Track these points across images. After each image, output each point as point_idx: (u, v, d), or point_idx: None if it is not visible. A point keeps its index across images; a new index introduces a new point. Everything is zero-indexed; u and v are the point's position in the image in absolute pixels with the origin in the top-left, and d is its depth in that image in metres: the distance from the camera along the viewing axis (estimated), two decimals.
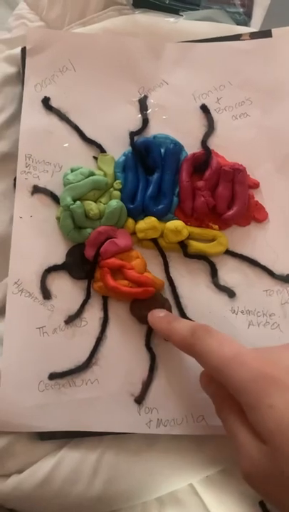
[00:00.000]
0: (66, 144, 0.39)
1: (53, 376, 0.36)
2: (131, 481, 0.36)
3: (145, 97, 0.40)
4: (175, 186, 0.38)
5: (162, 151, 0.38)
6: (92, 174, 0.38)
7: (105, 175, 0.38)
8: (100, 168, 0.39)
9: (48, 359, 0.36)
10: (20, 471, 0.36)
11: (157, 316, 0.34)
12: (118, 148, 0.39)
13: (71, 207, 0.36)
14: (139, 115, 0.40)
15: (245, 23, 0.44)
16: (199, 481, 0.37)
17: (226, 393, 0.28)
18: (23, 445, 0.36)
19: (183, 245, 0.38)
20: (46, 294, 0.37)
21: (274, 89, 0.39)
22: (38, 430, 0.36)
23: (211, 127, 0.39)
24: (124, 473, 0.36)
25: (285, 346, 0.29)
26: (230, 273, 0.38)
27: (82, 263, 0.37)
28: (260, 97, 0.40)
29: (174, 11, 0.43)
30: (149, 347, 0.37)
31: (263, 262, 0.38)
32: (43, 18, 0.45)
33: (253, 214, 0.38)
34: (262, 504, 0.36)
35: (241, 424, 0.27)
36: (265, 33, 0.40)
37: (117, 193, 0.38)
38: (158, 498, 0.37)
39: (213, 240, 0.38)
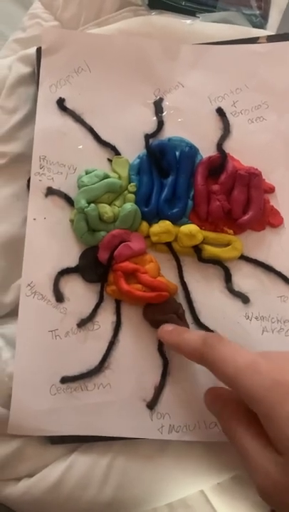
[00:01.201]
0: (80, 146, 0.39)
1: (64, 380, 0.36)
2: (142, 486, 0.36)
3: (160, 100, 0.40)
4: (190, 190, 0.38)
5: (177, 154, 0.38)
6: (106, 177, 0.37)
7: (120, 177, 0.38)
8: (114, 171, 0.38)
9: (60, 362, 0.36)
10: (30, 475, 0.36)
11: (167, 330, 0.34)
12: (133, 151, 0.39)
13: (85, 209, 0.36)
14: (154, 117, 0.39)
15: (262, 25, 0.44)
16: (210, 487, 0.37)
17: (233, 409, 0.28)
18: (34, 449, 0.36)
19: (197, 250, 0.37)
20: (59, 297, 0.37)
21: None
22: (49, 434, 0.36)
23: (226, 130, 0.39)
24: (135, 479, 0.36)
25: None
26: (245, 278, 0.37)
27: (95, 266, 0.37)
28: (277, 101, 0.39)
29: (190, 12, 0.43)
30: (161, 352, 0.36)
31: (277, 268, 0.37)
32: (58, 17, 0.44)
33: (268, 219, 0.38)
34: None
35: (252, 438, 0.26)
36: (282, 37, 0.40)
37: (132, 196, 0.38)
38: (168, 504, 0.37)
39: (227, 244, 0.37)
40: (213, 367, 0.28)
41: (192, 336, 0.31)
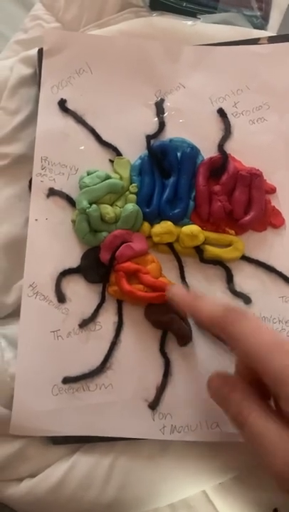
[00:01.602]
0: (82, 147, 0.39)
1: (66, 380, 0.36)
2: (144, 486, 0.36)
3: (162, 100, 0.40)
4: (191, 190, 0.38)
5: (179, 154, 0.38)
6: (108, 177, 0.37)
7: (121, 178, 0.38)
8: (115, 172, 0.38)
9: (62, 363, 0.36)
10: (33, 476, 0.36)
11: (180, 291, 0.32)
12: (134, 152, 0.39)
13: (87, 210, 0.36)
14: (156, 118, 0.39)
15: (262, 26, 0.44)
16: (212, 487, 0.37)
17: (244, 392, 0.27)
18: (36, 449, 0.36)
19: (199, 250, 0.37)
20: (61, 298, 0.37)
21: None
22: (51, 435, 0.36)
23: (227, 131, 0.39)
24: (137, 479, 0.36)
25: None
26: (246, 279, 0.37)
27: (97, 267, 0.37)
28: (278, 102, 0.39)
29: (190, 13, 0.43)
30: (163, 352, 0.36)
31: (279, 268, 0.37)
32: (59, 19, 0.44)
33: (269, 219, 0.38)
34: None
35: (268, 420, 0.25)
36: (283, 37, 0.40)
37: (133, 197, 0.38)
38: (170, 504, 0.37)
39: (229, 245, 0.37)
40: (236, 342, 0.26)
41: (211, 303, 0.29)
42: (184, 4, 0.43)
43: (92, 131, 0.39)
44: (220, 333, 0.28)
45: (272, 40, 0.40)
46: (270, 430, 0.24)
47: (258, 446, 0.25)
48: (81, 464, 0.36)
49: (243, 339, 0.26)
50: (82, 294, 0.37)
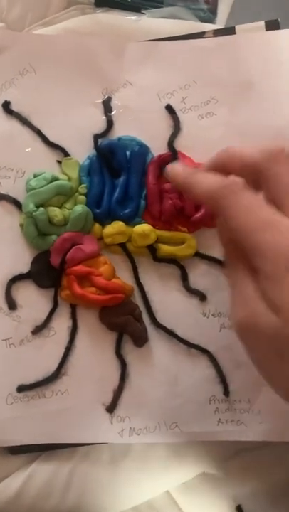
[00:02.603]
0: (29, 149, 0.38)
1: (21, 388, 0.35)
2: (106, 491, 0.36)
3: (109, 99, 0.39)
4: (142, 189, 0.37)
5: (128, 153, 0.37)
6: (55, 179, 0.37)
7: (70, 179, 0.37)
8: (64, 173, 0.38)
9: (16, 371, 0.35)
10: None
11: (179, 168, 0.29)
12: (82, 152, 0.38)
13: (34, 214, 0.35)
14: (104, 117, 0.39)
15: (210, 20, 0.43)
16: (176, 487, 0.37)
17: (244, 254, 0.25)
18: None
19: (152, 249, 0.37)
20: (11, 305, 0.36)
21: (239, 87, 0.39)
22: (7, 445, 0.35)
23: (177, 128, 0.39)
24: (99, 484, 0.36)
25: None
26: (201, 276, 0.37)
27: (48, 271, 0.36)
28: (226, 95, 0.39)
29: (136, 9, 0.42)
30: (119, 354, 0.36)
31: None
32: (3, 19, 0.43)
33: None
34: (239, 509, 0.36)
35: (249, 281, 0.24)
36: (228, 30, 0.40)
37: (83, 198, 0.37)
38: (135, 507, 0.36)
39: (182, 243, 0.37)
40: (228, 214, 0.24)
41: (208, 177, 0.26)
42: (130, 0, 0.42)
43: (39, 133, 0.38)
44: (213, 208, 0.26)
45: (217, 33, 0.40)
46: (247, 287, 0.24)
47: (233, 294, 0.25)
48: (40, 473, 0.35)
49: (235, 215, 0.24)
50: (33, 300, 0.36)
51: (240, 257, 0.25)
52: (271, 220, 0.23)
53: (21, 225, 0.37)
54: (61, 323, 0.36)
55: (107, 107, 0.39)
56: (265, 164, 0.25)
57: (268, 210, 0.24)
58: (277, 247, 0.22)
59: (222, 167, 0.27)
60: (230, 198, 0.24)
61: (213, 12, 0.44)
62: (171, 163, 0.37)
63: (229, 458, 0.37)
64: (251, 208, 0.24)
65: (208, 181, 0.26)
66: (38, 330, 0.36)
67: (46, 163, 0.38)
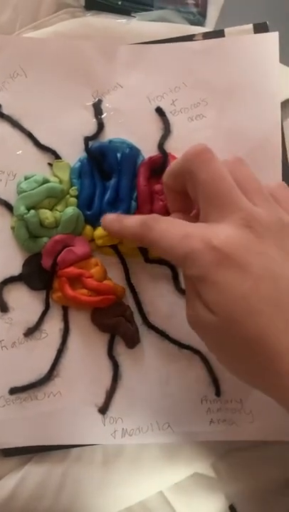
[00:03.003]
0: (20, 152, 0.38)
1: (13, 391, 0.35)
2: (98, 492, 0.36)
3: (99, 101, 0.39)
4: (133, 191, 0.37)
5: (118, 155, 0.38)
6: (46, 181, 0.37)
7: (61, 182, 0.37)
8: (55, 175, 0.38)
9: (8, 374, 0.35)
10: None
11: (109, 219, 0.33)
12: (73, 154, 0.38)
13: (25, 216, 0.35)
14: (94, 119, 0.39)
15: (200, 23, 0.44)
16: (169, 488, 0.37)
17: None
18: None
19: (143, 250, 0.37)
20: (3, 307, 0.36)
21: (228, 89, 0.39)
22: (0, 447, 0.35)
23: (167, 130, 0.39)
24: (91, 486, 0.36)
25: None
26: None
27: (39, 273, 0.36)
28: (216, 98, 0.39)
29: (126, 12, 0.43)
30: (111, 356, 0.36)
31: None
32: None
33: None
34: (232, 508, 0.36)
35: (191, 287, 0.27)
36: (217, 33, 0.40)
37: (74, 200, 0.37)
38: (128, 507, 0.36)
39: None
40: (154, 245, 0.28)
41: (131, 220, 0.30)
42: (120, 3, 0.43)
43: (30, 135, 0.38)
44: (143, 245, 0.32)
45: (207, 36, 0.40)
46: (191, 294, 0.28)
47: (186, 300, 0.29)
48: (33, 475, 0.35)
49: (158, 241, 0.28)
50: (25, 302, 0.36)
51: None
52: (186, 229, 0.27)
53: (12, 228, 0.37)
54: (53, 325, 0.36)
55: (97, 109, 0.39)
56: (185, 167, 0.28)
57: (182, 223, 0.28)
58: (193, 252, 0.26)
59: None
60: (147, 232, 0.28)
61: (202, 15, 0.44)
62: (162, 164, 0.37)
63: (221, 457, 0.37)
64: (169, 228, 0.28)
65: (131, 225, 0.30)
66: (30, 332, 0.36)
67: (37, 166, 0.38)
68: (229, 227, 0.26)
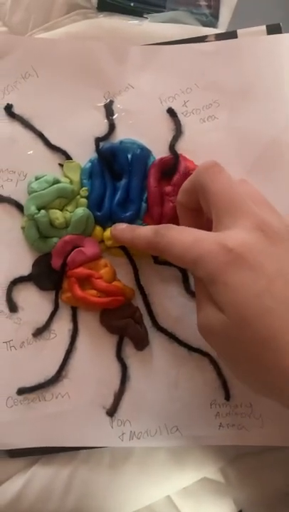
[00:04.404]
0: (31, 152, 0.38)
1: (21, 391, 0.35)
2: (106, 495, 0.35)
3: (111, 102, 0.39)
4: (143, 192, 0.37)
5: (129, 156, 0.37)
6: (57, 182, 0.37)
7: (71, 182, 0.37)
8: (65, 176, 0.38)
9: (16, 374, 0.35)
10: None
11: (120, 228, 0.34)
12: (84, 155, 0.38)
13: (35, 216, 0.35)
14: (105, 120, 0.39)
15: (212, 24, 0.43)
16: (177, 492, 0.36)
17: None
18: None
19: None
20: (12, 307, 0.36)
21: (241, 91, 0.39)
22: (7, 448, 0.35)
23: (178, 131, 0.39)
24: (99, 488, 0.35)
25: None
26: None
27: (49, 273, 0.36)
28: (228, 99, 0.39)
29: (138, 13, 0.42)
30: (120, 357, 0.36)
31: None
32: (6, 23, 0.43)
33: None
34: None
35: (203, 289, 0.28)
36: (230, 34, 0.40)
37: (84, 201, 0.37)
38: (135, 511, 0.36)
39: None
40: (166, 253, 0.29)
41: (145, 229, 0.31)
42: (132, 4, 0.43)
43: (41, 136, 0.38)
44: (156, 253, 0.33)
45: (219, 37, 0.40)
46: (203, 297, 0.28)
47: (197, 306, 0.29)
48: (39, 476, 0.35)
49: (169, 248, 0.28)
50: (34, 303, 0.36)
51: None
52: (195, 238, 0.27)
53: (23, 228, 0.37)
54: (62, 326, 0.36)
55: (108, 110, 0.39)
56: (198, 181, 0.29)
57: (191, 231, 0.28)
58: (206, 253, 0.26)
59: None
60: (160, 240, 0.29)
61: (215, 16, 0.44)
62: (173, 165, 0.37)
63: (230, 462, 0.36)
64: (181, 235, 0.28)
65: (144, 234, 0.31)
66: (39, 332, 0.36)
67: (48, 166, 0.38)
68: (242, 231, 0.26)
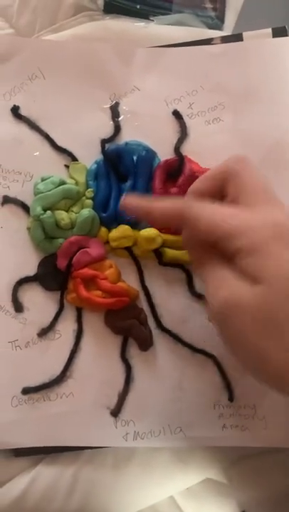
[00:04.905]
0: (37, 153, 0.38)
1: (26, 391, 0.35)
2: (109, 496, 0.36)
3: (117, 104, 0.39)
4: (148, 193, 0.38)
5: (135, 158, 0.38)
6: (63, 183, 0.37)
7: (77, 183, 0.38)
8: (71, 177, 0.38)
9: (21, 373, 0.35)
10: None
11: (134, 197, 0.31)
12: (90, 157, 0.38)
13: (41, 217, 0.35)
14: (111, 122, 0.39)
15: (218, 26, 0.44)
16: (180, 493, 0.36)
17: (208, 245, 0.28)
18: None
19: (158, 253, 0.37)
20: (18, 307, 0.36)
21: (246, 93, 0.39)
22: (12, 447, 0.35)
23: (183, 133, 0.39)
24: (102, 489, 0.36)
25: None
26: None
27: (54, 274, 0.36)
28: (233, 101, 0.39)
29: (144, 16, 0.43)
30: (124, 358, 0.36)
31: None
32: (13, 25, 0.44)
33: None
34: None
35: (224, 266, 0.26)
36: (236, 37, 0.40)
37: (89, 202, 0.37)
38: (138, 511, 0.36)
39: None
40: (193, 221, 0.27)
41: (166, 200, 0.29)
42: (138, 6, 0.43)
43: (47, 137, 0.39)
44: (177, 222, 0.30)
45: (225, 40, 0.40)
46: (223, 269, 0.26)
47: (208, 281, 0.27)
48: (44, 476, 0.35)
49: (203, 217, 0.26)
50: (40, 303, 0.36)
51: (210, 252, 0.27)
52: (234, 209, 0.27)
53: (29, 228, 0.37)
54: (67, 326, 0.36)
55: (114, 112, 0.39)
56: (230, 169, 0.29)
57: (225, 206, 0.27)
58: (248, 225, 0.25)
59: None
60: (194, 206, 0.27)
61: (220, 19, 0.44)
62: (179, 167, 0.37)
63: (233, 464, 0.36)
64: (212, 208, 0.27)
65: (166, 204, 0.29)
66: (44, 332, 0.36)
67: (54, 167, 0.38)
68: (280, 212, 0.26)
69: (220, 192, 0.30)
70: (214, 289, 0.26)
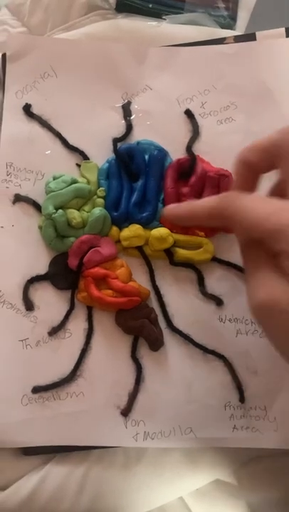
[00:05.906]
0: (48, 152, 0.38)
1: (36, 390, 0.35)
2: (119, 496, 0.35)
3: (129, 103, 0.39)
4: (160, 193, 0.37)
5: (146, 157, 0.38)
6: (74, 182, 0.37)
7: (88, 182, 0.37)
8: (83, 176, 0.38)
9: (32, 372, 0.35)
10: (4, 488, 0.35)
11: (173, 205, 0.30)
12: (102, 155, 0.38)
13: (53, 216, 0.35)
14: (123, 121, 0.39)
15: (230, 26, 0.44)
16: (189, 494, 0.36)
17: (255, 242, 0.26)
18: (7, 461, 0.35)
19: (169, 253, 0.37)
20: (29, 306, 0.36)
21: (258, 93, 0.39)
22: (21, 446, 0.35)
23: (195, 132, 0.39)
24: (112, 488, 0.35)
25: None
26: (218, 281, 0.37)
27: (65, 273, 0.36)
28: (245, 101, 0.39)
29: (157, 15, 0.43)
30: (135, 358, 0.36)
31: None
32: (25, 23, 0.44)
33: None
34: None
35: (267, 265, 0.25)
36: (248, 37, 0.40)
37: (101, 201, 0.37)
38: None
39: (199, 247, 0.37)
40: (235, 219, 0.25)
41: (205, 199, 0.28)
42: (150, 5, 0.43)
43: (59, 136, 0.39)
44: (218, 220, 0.27)
45: (237, 39, 0.40)
46: (266, 267, 0.25)
47: (249, 277, 0.26)
48: (53, 475, 0.35)
49: (245, 215, 0.25)
50: (50, 302, 0.36)
51: (258, 251, 0.26)
52: (279, 204, 0.24)
53: (40, 227, 0.37)
54: (77, 325, 0.36)
55: (126, 111, 0.39)
56: (286, 142, 0.26)
57: (269, 199, 0.25)
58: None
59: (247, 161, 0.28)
60: (234, 204, 0.26)
61: (233, 18, 0.44)
62: (190, 166, 0.37)
63: (244, 465, 0.36)
64: (255, 202, 0.25)
65: (206, 203, 0.27)
66: (55, 331, 0.36)
67: (65, 166, 0.38)
68: None
69: (270, 166, 0.27)
70: (252, 289, 0.25)
